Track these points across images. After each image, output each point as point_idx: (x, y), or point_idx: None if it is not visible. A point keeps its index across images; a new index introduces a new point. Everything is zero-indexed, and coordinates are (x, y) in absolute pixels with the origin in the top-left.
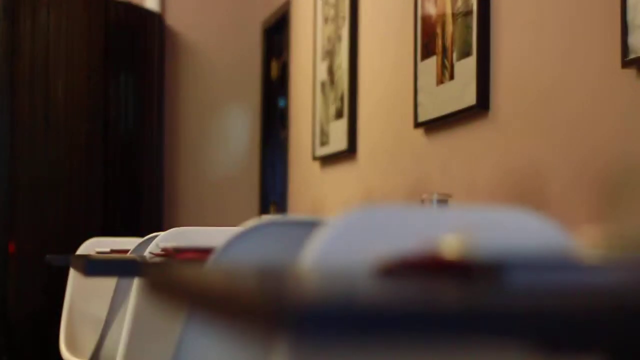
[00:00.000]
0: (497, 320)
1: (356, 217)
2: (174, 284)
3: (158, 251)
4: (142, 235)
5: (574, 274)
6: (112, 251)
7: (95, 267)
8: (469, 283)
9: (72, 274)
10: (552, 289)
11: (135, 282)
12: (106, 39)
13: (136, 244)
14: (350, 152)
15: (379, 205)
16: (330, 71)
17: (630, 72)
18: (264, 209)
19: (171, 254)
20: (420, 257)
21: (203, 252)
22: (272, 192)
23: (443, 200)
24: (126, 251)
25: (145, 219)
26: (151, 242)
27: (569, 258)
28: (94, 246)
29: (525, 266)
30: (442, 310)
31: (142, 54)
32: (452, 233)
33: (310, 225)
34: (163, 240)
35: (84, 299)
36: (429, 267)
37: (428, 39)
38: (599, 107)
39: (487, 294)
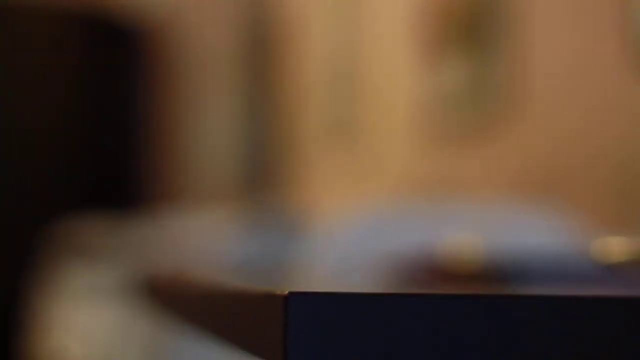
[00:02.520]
0: (504, 315)
1: (363, 217)
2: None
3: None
4: (121, 210)
5: (586, 278)
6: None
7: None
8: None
9: (54, 271)
10: (563, 293)
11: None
12: (86, 51)
13: (121, 227)
14: (353, 136)
15: (386, 204)
16: (334, 60)
17: None
18: (250, 187)
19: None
20: (429, 267)
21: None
22: (260, 170)
23: (455, 198)
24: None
25: (124, 191)
26: (143, 230)
27: (581, 262)
28: (75, 230)
29: (538, 271)
30: (446, 300)
31: (125, 52)
32: (463, 237)
33: (300, 228)
34: (158, 232)
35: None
36: (438, 279)
37: (446, 29)
38: (622, 99)
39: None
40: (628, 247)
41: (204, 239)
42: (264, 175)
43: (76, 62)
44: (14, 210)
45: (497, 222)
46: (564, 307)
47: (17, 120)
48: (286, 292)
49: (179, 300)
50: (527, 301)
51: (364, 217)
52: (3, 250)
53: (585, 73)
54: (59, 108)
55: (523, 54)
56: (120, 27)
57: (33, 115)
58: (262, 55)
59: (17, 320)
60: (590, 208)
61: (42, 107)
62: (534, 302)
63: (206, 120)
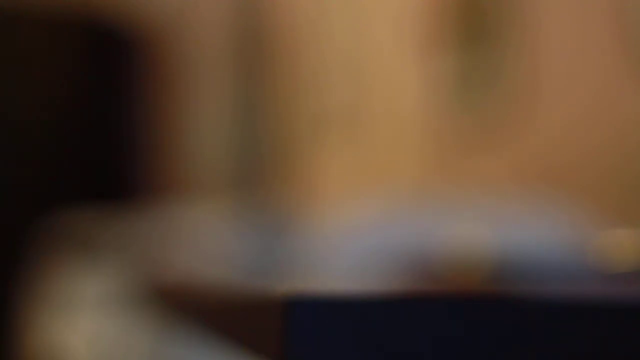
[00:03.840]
0: (504, 315)
1: (366, 213)
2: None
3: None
4: (117, 204)
5: (594, 283)
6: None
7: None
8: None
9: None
10: (572, 300)
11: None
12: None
13: (116, 222)
14: (356, 130)
15: (389, 200)
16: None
17: None
18: (246, 178)
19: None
20: (432, 266)
21: None
22: (262, 170)
23: (460, 193)
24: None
25: (115, 184)
26: (142, 225)
27: (591, 265)
28: (70, 224)
29: (541, 270)
30: (448, 302)
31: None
32: (468, 232)
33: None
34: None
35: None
36: (440, 278)
37: (448, 28)
38: (631, 86)
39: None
40: (634, 241)
41: (202, 235)
42: (262, 171)
43: (73, 62)
44: (9, 206)
45: (502, 217)
46: (565, 307)
47: (12, 115)
48: (286, 292)
49: (178, 300)
50: (531, 301)
51: (366, 214)
52: None
53: (590, 66)
54: (55, 104)
55: (529, 46)
56: (117, 29)
57: (28, 111)
58: (259, 50)
59: (9, 319)
60: (596, 202)
61: (38, 103)
62: (536, 302)
63: (203, 114)
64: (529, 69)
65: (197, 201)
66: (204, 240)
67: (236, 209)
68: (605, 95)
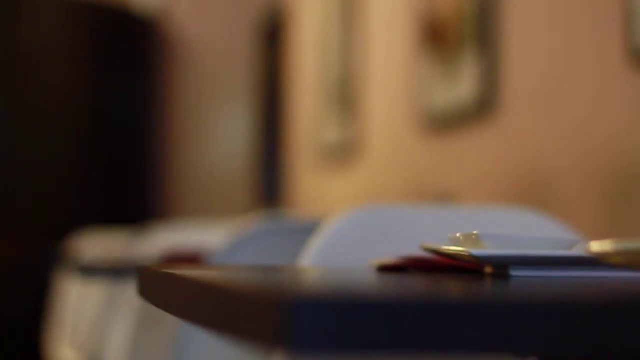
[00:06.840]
0: (502, 316)
1: (358, 217)
2: (169, 287)
3: (158, 250)
4: (132, 224)
5: (578, 271)
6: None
7: (91, 272)
8: (474, 280)
9: (63, 275)
10: (556, 286)
11: (132, 284)
12: (97, 43)
13: (129, 236)
14: (353, 149)
15: (381, 205)
16: (332, 66)
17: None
18: (260, 203)
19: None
20: (423, 256)
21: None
22: (270, 187)
23: (447, 199)
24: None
25: (136, 208)
26: (146, 236)
27: (573, 255)
28: (89, 241)
29: (530, 264)
30: (445, 303)
31: (135, 54)
32: (456, 233)
33: (308, 229)
34: (159, 236)
35: (77, 298)
36: (432, 266)
37: (435, 34)
38: (607, 104)
39: (492, 289)
40: (616, 250)
41: (209, 248)
42: (270, 186)
43: (87, 66)
44: (28, 226)
45: (489, 227)
46: (560, 308)
47: (30, 138)
48: (286, 293)
49: (183, 301)
50: (523, 303)
51: (361, 221)
52: (14, 264)
53: (575, 76)
54: (71, 120)
55: (511, 59)
56: (134, 24)
57: (47, 130)
58: (269, 77)
59: (39, 322)
60: (579, 211)
61: (54, 124)
62: (530, 303)
63: (215, 137)
64: (513, 82)
65: (207, 216)
66: (212, 249)
67: (244, 221)
68: (595, 105)
